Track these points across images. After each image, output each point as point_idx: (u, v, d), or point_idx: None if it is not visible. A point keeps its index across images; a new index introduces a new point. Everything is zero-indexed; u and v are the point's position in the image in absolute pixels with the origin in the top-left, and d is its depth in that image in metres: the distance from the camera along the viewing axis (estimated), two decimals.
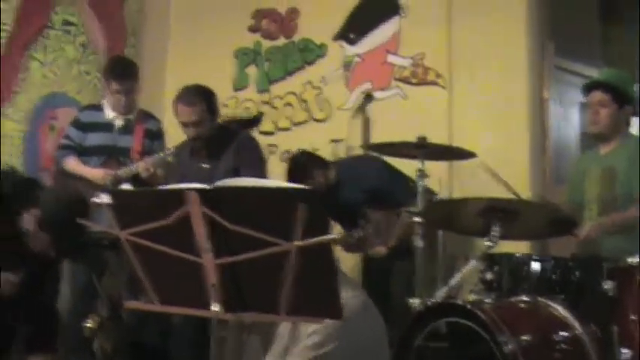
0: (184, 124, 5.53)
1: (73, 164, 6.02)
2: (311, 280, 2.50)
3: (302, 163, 6.02)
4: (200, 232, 2.48)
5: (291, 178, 6.05)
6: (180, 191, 2.46)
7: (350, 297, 3.15)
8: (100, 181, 5.84)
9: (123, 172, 5.87)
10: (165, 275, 2.69)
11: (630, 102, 5.10)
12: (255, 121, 6.40)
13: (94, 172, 5.93)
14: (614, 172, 4.96)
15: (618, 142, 5.09)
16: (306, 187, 2.44)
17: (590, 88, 5.23)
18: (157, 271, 2.68)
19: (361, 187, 5.85)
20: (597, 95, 5.08)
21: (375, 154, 6.02)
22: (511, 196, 4.81)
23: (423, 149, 5.09)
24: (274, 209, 2.45)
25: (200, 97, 5.53)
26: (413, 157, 5.19)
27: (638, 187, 4.79)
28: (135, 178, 5.86)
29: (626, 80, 5.24)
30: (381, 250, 5.77)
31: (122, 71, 6.13)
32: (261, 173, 5.60)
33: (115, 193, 2.66)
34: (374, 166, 5.96)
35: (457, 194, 6.15)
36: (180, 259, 2.57)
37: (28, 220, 4.14)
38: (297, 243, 2.42)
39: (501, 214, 4.32)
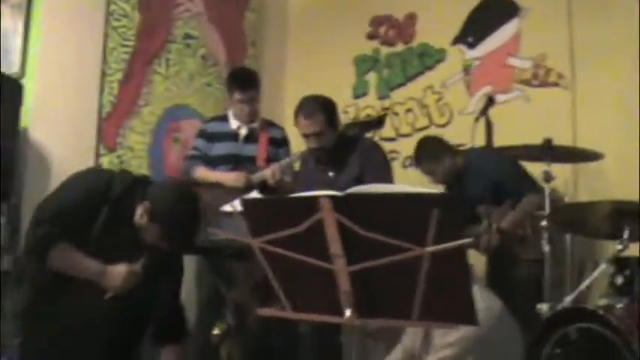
0: (305, 136, 5.54)
1: (203, 172, 6.11)
2: (444, 285, 2.48)
3: (431, 148, 6.04)
4: (333, 238, 2.49)
5: (419, 162, 6.08)
6: (313, 199, 2.47)
7: (485, 308, 3.12)
8: (234, 184, 5.91)
9: (254, 177, 5.94)
10: (297, 282, 2.70)
11: None
12: (379, 122, 6.38)
13: (228, 176, 6.00)
14: None
15: None
16: (440, 192, 2.42)
17: None
18: (289, 278, 2.70)
19: (485, 179, 5.82)
20: None
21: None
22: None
23: (549, 151, 5.02)
24: (407, 215, 2.44)
25: (320, 108, 5.53)
26: (538, 159, 5.13)
27: None
28: (262, 186, 5.94)
29: None
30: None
31: (244, 81, 6.23)
32: (387, 178, 5.59)
33: (247, 202, 2.66)
34: (500, 159, 5.89)
35: (583, 197, 6.02)
36: (312, 266, 2.58)
37: (140, 213, 4.19)
38: (430, 248, 2.41)
39: (631, 216, 4.22)
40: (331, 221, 2.46)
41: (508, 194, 5.69)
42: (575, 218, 4.73)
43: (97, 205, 4.17)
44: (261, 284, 5.31)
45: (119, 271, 4.07)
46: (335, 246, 2.50)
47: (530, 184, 5.67)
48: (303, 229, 2.50)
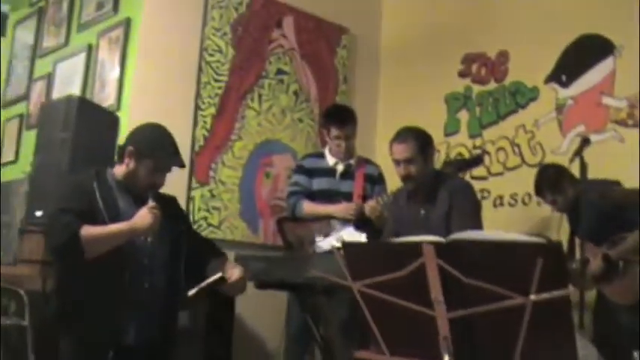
0: (396, 162, 5.51)
1: (310, 206, 6.19)
2: (547, 335, 2.45)
3: (552, 177, 6.01)
4: (434, 284, 2.49)
5: (540, 191, 6.08)
6: (416, 244, 2.46)
7: (582, 356, 3.07)
8: (345, 215, 6.00)
9: (362, 207, 5.98)
10: (396, 326, 2.70)
11: None
12: (477, 161, 6.35)
13: (338, 207, 6.06)
14: None
15: None
16: (546, 241, 2.40)
17: None
18: (388, 321, 2.69)
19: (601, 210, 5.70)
20: None
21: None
22: None
23: None
24: (510, 263, 2.42)
25: (413, 135, 5.50)
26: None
27: None
28: (359, 220, 5.98)
29: None
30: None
31: (341, 117, 6.30)
32: (475, 218, 5.54)
33: (348, 246, 2.67)
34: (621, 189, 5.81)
35: None
36: (411, 310, 2.57)
37: (126, 162, 4.39)
38: (534, 297, 2.38)
39: None
40: (433, 267, 2.46)
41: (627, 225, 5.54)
42: None
43: (91, 185, 4.26)
44: (350, 323, 5.36)
45: (142, 213, 4.16)
46: (436, 292, 2.49)
47: None
48: (406, 273, 2.49)
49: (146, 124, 4.53)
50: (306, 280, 4.79)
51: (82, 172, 4.45)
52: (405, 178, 5.49)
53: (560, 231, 5.94)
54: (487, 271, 2.43)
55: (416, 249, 2.46)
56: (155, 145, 4.35)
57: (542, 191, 6.08)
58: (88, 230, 4.01)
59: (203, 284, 4.23)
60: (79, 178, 4.40)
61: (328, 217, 6.04)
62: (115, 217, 4.18)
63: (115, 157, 4.52)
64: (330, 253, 5.76)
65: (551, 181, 6.02)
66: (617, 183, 5.84)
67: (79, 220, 4.04)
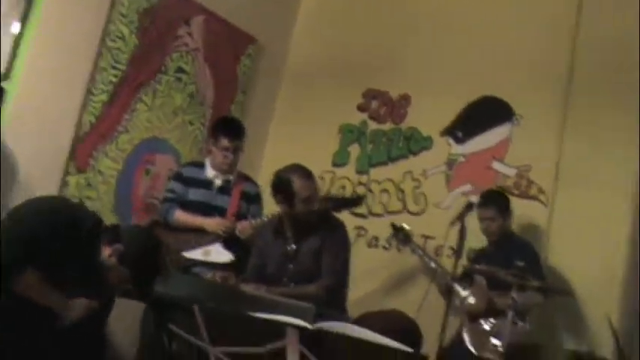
0: (308, 198, 5.42)
1: (183, 216, 6.08)
2: None
3: (504, 201, 6.22)
4: None
5: (491, 202, 6.17)
6: (281, 325, 2.38)
7: None
8: (216, 229, 5.95)
9: (235, 225, 5.96)
10: None
11: None
12: (356, 202, 6.32)
13: (211, 222, 6.00)
14: None
15: None
16: (410, 350, 2.34)
17: None
18: None
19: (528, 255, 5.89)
20: None
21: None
22: None
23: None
24: None
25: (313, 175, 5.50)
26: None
27: None
28: (232, 238, 5.95)
29: None
30: None
31: (234, 128, 6.22)
32: (344, 260, 5.55)
33: (211, 311, 2.56)
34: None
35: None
36: None
37: (109, 254, 4.25)
38: None
39: None
40: (294, 351, 2.37)
41: None
42: (532, 356, 4.66)
43: (66, 238, 4.23)
44: None
45: (81, 303, 4.25)
46: None
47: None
48: (265, 351, 2.40)
49: (148, 236, 4.62)
50: (162, 294, 4.68)
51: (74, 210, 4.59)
52: (308, 215, 5.44)
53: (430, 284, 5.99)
54: None
55: (279, 329, 2.37)
56: (143, 267, 4.43)
57: (492, 205, 6.12)
58: (31, 278, 4.13)
59: None
60: (65, 216, 4.46)
61: (199, 230, 5.97)
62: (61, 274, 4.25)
63: None
64: (191, 274, 5.77)
65: (503, 203, 6.14)
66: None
67: (30, 263, 4.12)
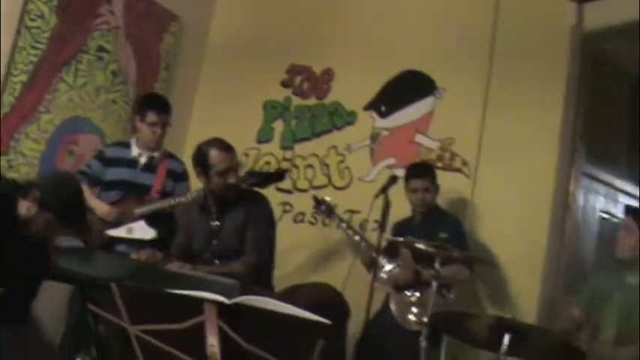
0: (224, 170, 5.41)
1: (85, 192, 5.99)
2: None
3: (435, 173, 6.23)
4: (212, 343, 2.41)
5: (426, 174, 6.19)
6: (199, 300, 2.38)
7: None
8: (105, 217, 5.97)
9: (143, 208, 5.96)
10: None
11: None
12: (280, 176, 6.33)
13: (103, 207, 6.01)
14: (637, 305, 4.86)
15: None
16: (328, 323, 2.35)
17: (628, 211, 5.19)
18: None
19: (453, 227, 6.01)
20: (627, 221, 5.02)
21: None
22: None
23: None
24: (292, 337, 2.38)
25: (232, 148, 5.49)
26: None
27: None
28: (153, 217, 5.95)
29: None
30: None
31: (161, 104, 6.21)
32: (268, 235, 5.59)
33: (124, 288, 2.55)
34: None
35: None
36: None
37: (26, 205, 4.15)
38: None
39: (511, 332, 4.20)
40: (213, 326, 2.38)
41: None
42: (456, 324, 4.69)
43: None
44: None
45: None
46: (213, 351, 2.41)
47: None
48: (184, 327, 2.40)
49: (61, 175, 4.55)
50: (88, 276, 4.66)
51: None
52: (229, 188, 5.44)
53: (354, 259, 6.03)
54: (269, 340, 2.37)
55: (198, 305, 2.37)
56: (64, 201, 4.33)
57: (428, 174, 6.17)
58: None
59: None
60: None
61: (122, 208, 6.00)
62: None
63: None
64: (116, 253, 5.75)
65: (435, 175, 6.19)
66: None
67: None
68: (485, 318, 4.54)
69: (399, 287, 5.93)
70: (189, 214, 5.69)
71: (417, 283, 5.83)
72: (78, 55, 7.02)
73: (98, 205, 6.00)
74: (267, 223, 5.63)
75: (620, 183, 7.17)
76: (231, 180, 5.40)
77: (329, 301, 3.21)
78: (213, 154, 5.39)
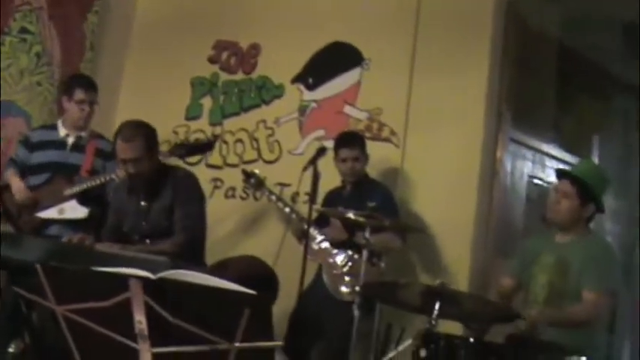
0: (123, 161, 5.39)
1: (8, 175, 6.14)
2: None
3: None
4: (139, 319, 2.41)
5: (357, 142, 6.20)
6: (124, 277, 2.38)
7: None
8: (16, 196, 6.00)
9: (73, 189, 5.96)
10: (99, 354, 2.60)
11: (594, 201, 5.08)
12: (208, 145, 6.32)
13: (16, 187, 6.04)
14: (567, 264, 4.95)
15: (575, 235, 5.11)
16: (253, 293, 2.37)
17: (561, 175, 5.26)
18: (91, 348, 2.59)
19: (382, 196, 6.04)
20: (565, 185, 5.10)
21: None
22: None
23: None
24: (219, 308, 2.39)
25: (139, 133, 5.33)
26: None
27: (590, 286, 4.83)
28: (84, 196, 5.96)
29: (598, 179, 5.22)
30: None
31: (88, 82, 6.22)
32: (197, 211, 5.58)
33: (48, 269, 2.54)
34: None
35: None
36: (116, 341, 2.49)
37: None
38: (238, 345, 2.36)
39: (442, 298, 4.26)
40: (139, 303, 2.38)
41: None
42: (388, 294, 4.75)
43: None
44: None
45: None
46: (141, 327, 2.42)
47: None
48: (110, 305, 2.40)
49: None
50: (16, 261, 4.63)
51: None
52: (133, 176, 5.39)
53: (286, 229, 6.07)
54: (196, 314, 2.38)
55: (123, 282, 2.38)
56: None
57: (357, 143, 6.17)
58: None
59: None
60: None
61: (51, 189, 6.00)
62: None
63: None
64: (45, 236, 5.70)
65: (364, 144, 6.19)
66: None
67: None
68: (416, 286, 4.60)
69: (334, 245, 5.95)
70: (119, 195, 5.67)
71: (350, 243, 5.87)
72: (0, 37, 6.92)
73: (15, 184, 6.04)
74: (194, 200, 5.60)
75: (547, 147, 7.26)
76: (130, 170, 5.36)
77: (257, 273, 3.22)
78: (117, 144, 5.36)
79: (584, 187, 5.03)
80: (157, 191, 5.46)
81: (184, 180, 5.59)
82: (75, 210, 5.92)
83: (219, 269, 3.38)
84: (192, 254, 5.29)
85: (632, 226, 7.96)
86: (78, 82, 6.17)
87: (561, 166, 6.93)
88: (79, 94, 6.04)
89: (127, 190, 5.60)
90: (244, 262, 3.56)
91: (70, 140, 6.12)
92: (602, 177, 5.30)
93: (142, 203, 5.49)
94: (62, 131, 6.13)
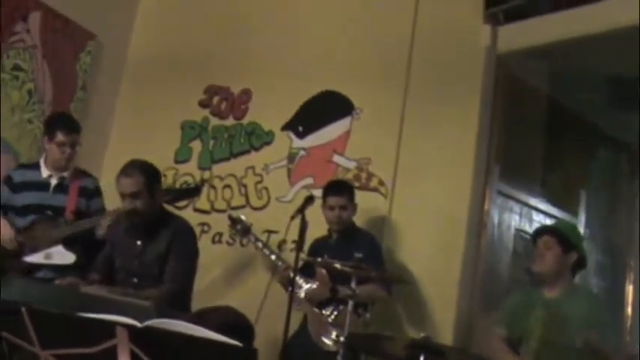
0: (122, 196, 5.41)
1: None
2: None
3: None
4: None
5: (345, 191, 6.18)
6: (110, 324, 2.37)
7: None
8: (5, 245, 5.88)
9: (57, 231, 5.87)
10: None
11: (574, 248, 5.22)
12: (196, 190, 6.31)
13: (3, 232, 5.92)
14: (561, 319, 4.99)
15: (563, 289, 5.20)
16: (241, 345, 2.36)
17: (539, 233, 5.39)
18: None
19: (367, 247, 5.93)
20: (545, 239, 5.26)
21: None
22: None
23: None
24: (205, 359, 2.38)
25: (141, 169, 5.41)
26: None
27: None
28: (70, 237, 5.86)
29: (573, 229, 5.58)
30: None
31: (69, 123, 6.13)
32: (189, 265, 5.61)
33: (38, 313, 2.53)
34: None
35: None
36: None
37: None
38: None
39: (427, 351, 4.25)
40: (125, 350, 2.36)
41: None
42: (372, 345, 4.74)
43: None
44: None
45: None
46: None
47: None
48: (96, 351, 2.39)
49: None
50: (4, 302, 4.59)
51: None
52: (130, 213, 5.39)
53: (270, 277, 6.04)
54: None
55: (109, 328, 2.36)
56: None
57: (346, 191, 6.16)
58: None
59: None
60: None
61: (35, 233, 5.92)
62: None
63: None
64: (31, 278, 5.66)
65: (354, 192, 6.20)
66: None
67: None
68: (400, 340, 4.59)
69: (316, 303, 5.93)
70: (116, 230, 5.65)
71: (334, 299, 5.85)
72: None
73: (3, 233, 5.91)
74: (191, 255, 5.64)
75: (534, 201, 7.29)
76: (129, 205, 5.39)
77: (233, 323, 3.20)
78: (118, 180, 5.42)
79: (563, 236, 5.23)
80: (154, 234, 5.48)
81: (184, 233, 5.61)
82: (62, 256, 5.84)
83: (196, 319, 3.37)
84: (178, 304, 5.26)
85: (620, 281, 7.97)
86: (59, 124, 6.06)
87: (548, 220, 7.00)
88: (60, 137, 5.94)
89: (124, 229, 5.60)
90: (220, 313, 3.54)
91: (54, 182, 6.03)
92: (577, 229, 5.72)
93: (138, 243, 5.50)
94: (45, 172, 6.05)
